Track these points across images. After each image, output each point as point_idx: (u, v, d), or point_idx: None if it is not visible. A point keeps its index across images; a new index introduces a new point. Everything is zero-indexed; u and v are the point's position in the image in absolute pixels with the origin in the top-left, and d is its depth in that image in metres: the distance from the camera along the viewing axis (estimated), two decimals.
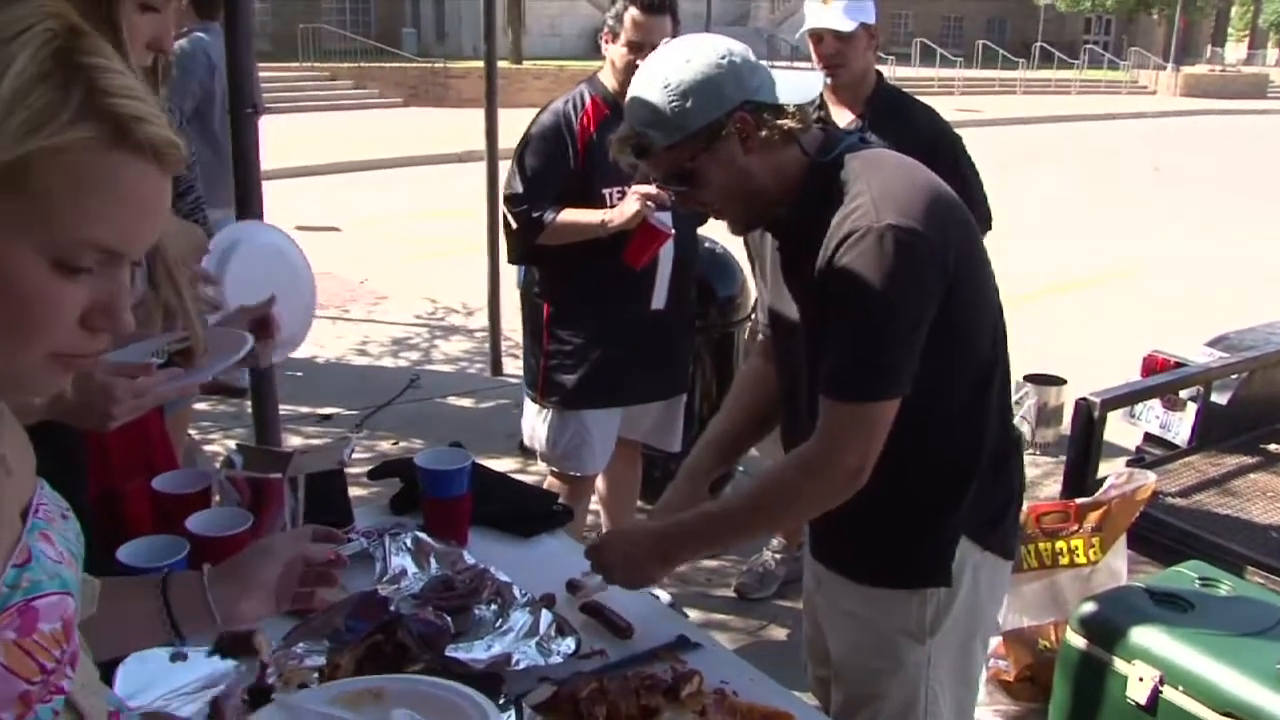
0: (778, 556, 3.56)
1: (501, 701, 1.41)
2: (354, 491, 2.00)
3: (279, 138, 9.69)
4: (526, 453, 3.66)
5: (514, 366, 5.10)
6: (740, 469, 3.73)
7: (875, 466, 1.55)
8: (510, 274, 4.16)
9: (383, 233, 9.34)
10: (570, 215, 2.74)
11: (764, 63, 1.59)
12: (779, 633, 3.33)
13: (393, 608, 1.59)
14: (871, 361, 1.51)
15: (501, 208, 2.91)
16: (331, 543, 1.25)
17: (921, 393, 1.54)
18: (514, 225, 2.83)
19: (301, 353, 5.74)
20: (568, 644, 1.57)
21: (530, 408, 3.06)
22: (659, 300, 2.90)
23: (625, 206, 2.66)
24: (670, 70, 1.51)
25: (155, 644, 1.20)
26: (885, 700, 1.74)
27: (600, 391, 2.94)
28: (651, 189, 2.58)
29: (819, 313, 1.57)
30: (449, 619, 1.56)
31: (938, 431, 1.64)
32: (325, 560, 1.22)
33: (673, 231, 2.69)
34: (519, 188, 2.80)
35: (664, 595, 3.10)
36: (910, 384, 1.52)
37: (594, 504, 3.29)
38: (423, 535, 1.82)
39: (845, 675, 1.82)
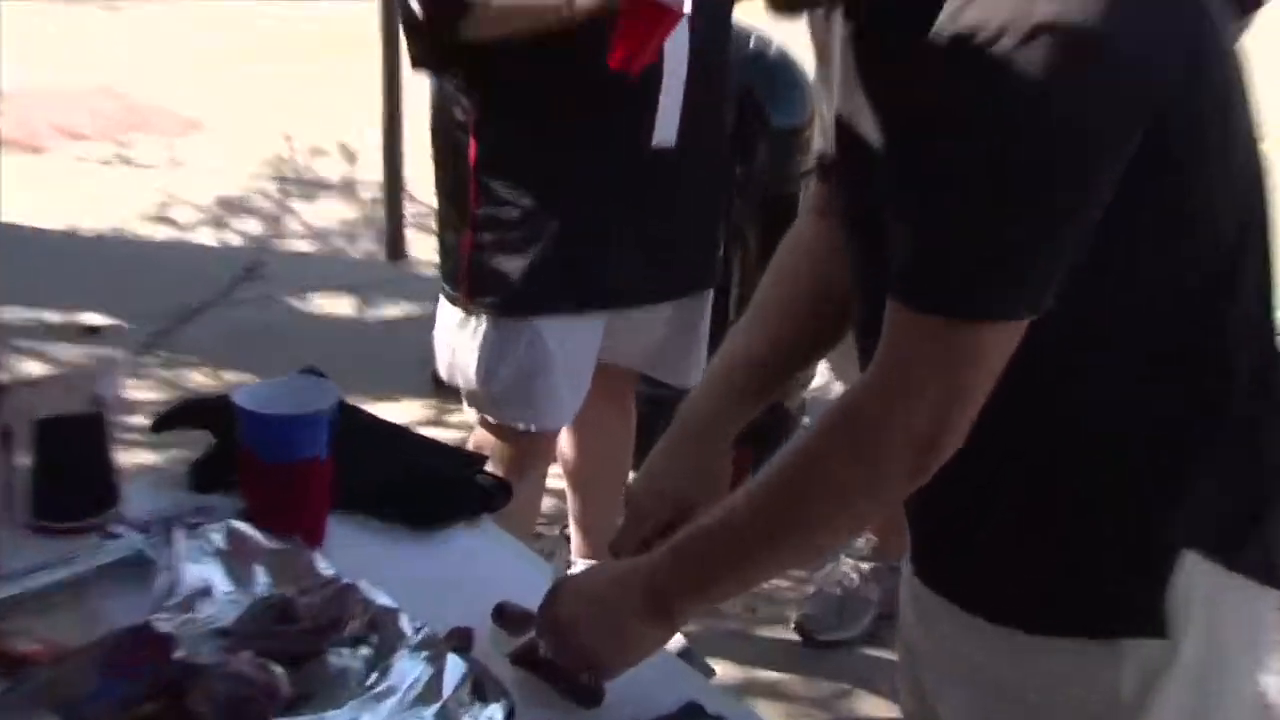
0: (864, 568, 2.65)
1: None
2: (128, 455, 1.80)
3: None
4: (443, 389, 2.94)
5: (426, 247, 3.96)
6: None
7: (1025, 441, 1.21)
8: (417, 92, 3.12)
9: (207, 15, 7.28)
10: None
11: None
12: (866, 703, 2.49)
13: (181, 653, 1.27)
14: (981, 253, 1.11)
15: None
16: None
17: (1102, 315, 1.16)
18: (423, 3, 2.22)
19: (52, 220, 4.34)
20: (491, 716, 1.29)
21: (450, 314, 2.35)
22: (664, 132, 2.22)
23: None
24: None
25: None
26: None
27: (566, 285, 2.30)
28: None
29: (912, 146, 1.16)
30: (283, 672, 1.23)
31: (1135, 382, 1.25)
32: None
33: (686, 10, 2.11)
34: None
35: (676, 637, 2.33)
36: (1049, 299, 1.12)
37: (556, 477, 2.59)
38: (242, 526, 1.53)
39: None
